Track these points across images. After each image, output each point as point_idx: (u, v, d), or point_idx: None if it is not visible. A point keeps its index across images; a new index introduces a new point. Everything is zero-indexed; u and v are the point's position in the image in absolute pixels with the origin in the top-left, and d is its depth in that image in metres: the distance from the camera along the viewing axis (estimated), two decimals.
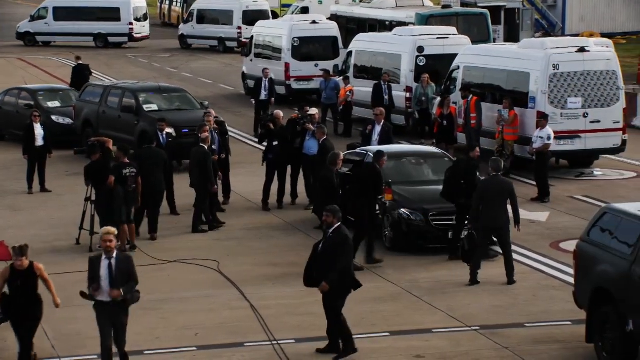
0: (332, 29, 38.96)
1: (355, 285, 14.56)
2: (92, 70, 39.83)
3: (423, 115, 30.56)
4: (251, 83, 40.25)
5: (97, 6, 60.32)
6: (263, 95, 32.95)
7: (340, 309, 14.50)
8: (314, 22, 38.77)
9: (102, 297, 13.79)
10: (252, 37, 41.16)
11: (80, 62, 38.21)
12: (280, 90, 36.59)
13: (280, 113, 24.17)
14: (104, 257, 13.77)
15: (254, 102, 33.56)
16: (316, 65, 37.16)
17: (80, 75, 36.95)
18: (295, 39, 37.97)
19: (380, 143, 23.54)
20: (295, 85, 37.99)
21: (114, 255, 13.73)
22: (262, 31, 40.78)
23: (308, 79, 37.63)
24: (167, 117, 25.88)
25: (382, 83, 31.40)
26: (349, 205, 18.68)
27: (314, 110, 24.15)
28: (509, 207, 17.96)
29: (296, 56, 37.97)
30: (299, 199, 23.78)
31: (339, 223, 14.47)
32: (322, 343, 15.08)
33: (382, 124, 24.37)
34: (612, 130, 26.24)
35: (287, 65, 37.79)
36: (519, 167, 25.81)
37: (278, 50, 38.83)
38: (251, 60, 40.48)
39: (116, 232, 13.90)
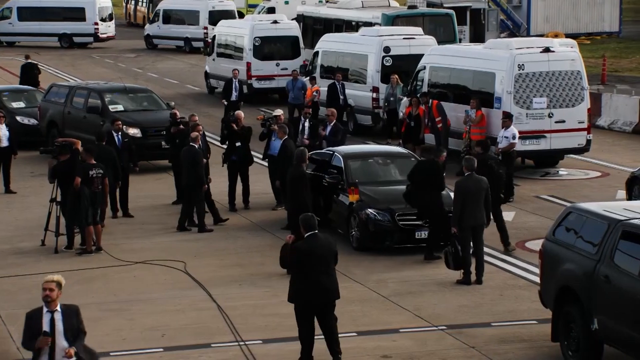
0: (293, 29, 39.46)
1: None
2: (57, 71, 39.62)
3: (390, 116, 30.63)
4: (214, 82, 41.12)
5: (62, 6, 59.92)
6: (234, 96, 33.32)
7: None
8: (275, 21, 39.29)
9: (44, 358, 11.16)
10: (215, 36, 41.59)
11: (30, 60, 38.12)
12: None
13: (241, 114, 24.13)
14: (45, 310, 11.26)
15: (225, 103, 33.70)
16: (277, 65, 38.04)
17: (29, 73, 36.87)
18: (257, 39, 38.52)
19: (329, 143, 23.59)
20: (256, 84, 38.53)
21: (58, 308, 11.27)
22: (224, 31, 41.20)
23: (269, 78, 38.31)
24: (135, 118, 25.82)
25: (337, 83, 31.49)
26: (416, 200, 19.17)
27: (279, 111, 24.17)
28: None
29: (257, 55, 38.49)
30: (265, 199, 23.75)
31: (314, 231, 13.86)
32: (289, 344, 15.07)
33: (332, 124, 24.41)
34: (577, 130, 26.40)
35: (248, 65, 38.37)
36: None
37: (240, 50, 39.27)
38: (214, 60, 41.03)
39: (61, 281, 11.43)
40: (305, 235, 13.83)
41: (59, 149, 20.54)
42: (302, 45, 38.99)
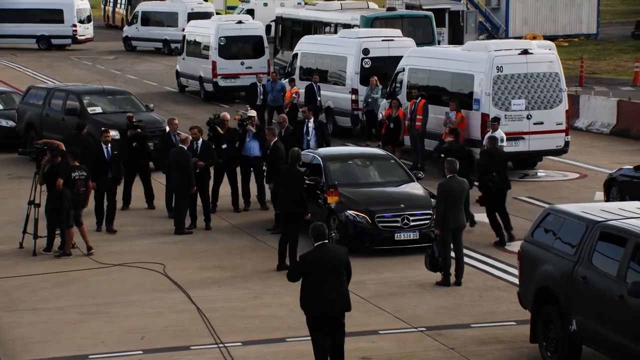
0: (258, 29, 40.64)
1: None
2: (35, 73, 39.50)
3: (369, 117, 30.67)
4: (184, 81, 42.41)
5: (40, 8, 59.69)
6: (259, 100, 33.19)
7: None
8: (240, 22, 40.60)
9: None
10: (184, 36, 42.71)
11: None
12: (208, 87, 40.07)
13: (227, 115, 24.07)
14: None
15: (249, 108, 33.18)
16: (242, 64, 39.42)
17: None
18: (222, 38, 39.63)
19: (317, 138, 23.65)
20: (222, 83, 39.75)
21: None
22: (193, 30, 42.47)
23: (234, 76, 39.54)
24: (113, 120, 25.72)
25: (314, 84, 31.52)
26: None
27: (252, 112, 24.14)
28: None
29: (223, 55, 39.60)
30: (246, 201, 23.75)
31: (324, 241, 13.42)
32: (269, 346, 15.07)
33: (311, 120, 24.38)
34: (555, 132, 26.48)
35: (214, 64, 39.53)
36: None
37: (207, 49, 40.31)
38: (183, 59, 42.17)
39: None
40: (315, 244, 13.30)
41: (47, 151, 20.35)
42: (266, 44, 40.29)
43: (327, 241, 13.36)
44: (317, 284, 13.16)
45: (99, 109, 28.28)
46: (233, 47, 39.86)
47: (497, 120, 24.81)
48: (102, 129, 22.64)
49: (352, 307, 13.46)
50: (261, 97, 33.45)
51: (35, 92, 30.44)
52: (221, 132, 23.08)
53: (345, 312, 13.39)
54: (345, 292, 13.34)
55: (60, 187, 19.60)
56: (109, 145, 21.63)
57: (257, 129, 23.26)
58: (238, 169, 23.25)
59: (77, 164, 20.05)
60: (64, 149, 20.50)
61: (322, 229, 13.36)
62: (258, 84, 33.83)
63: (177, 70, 43.27)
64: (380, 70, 31.20)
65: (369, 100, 30.58)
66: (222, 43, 39.66)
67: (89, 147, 22.00)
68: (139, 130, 23.49)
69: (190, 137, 21.97)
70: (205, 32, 40.94)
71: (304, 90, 31.96)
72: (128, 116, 24.53)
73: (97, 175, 21.08)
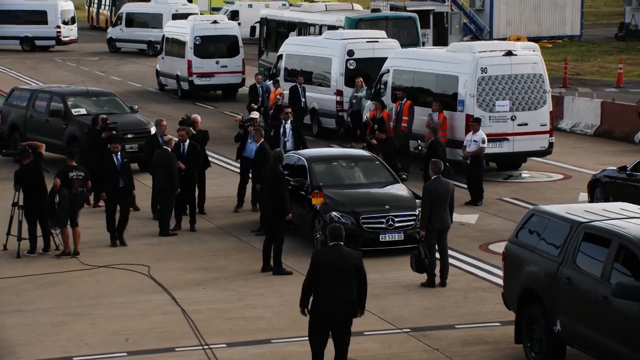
0: (233, 29, 41.79)
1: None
2: (19, 74, 39.40)
3: (354, 118, 30.67)
4: (163, 80, 43.41)
5: (24, 9, 59.54)
6: (259, 102, 33.00)
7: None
8: (215, 22, 41.71)
9: None
10: (164, 35, 43.59)
11: None
12: (184, 86, 41.20)
13: (198, 117, 24.06)
14: None
15: (255, 107, 32.80)
16: (217, 63, 40.54)
17: None
18: (197, 38, 40.70)
19: (293, 139, 23.65)
20: (197, 81, 40.86)
21: None
22: (171, 30, 43.47)
23: (209, 75, 40.72)
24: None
25: (298, 85, 31.48)
26: None
27: (255, 114, 24.14)
28: None
29: (198, 54, 40.62)
30: (229, 202, 23.72)
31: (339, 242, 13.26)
32: (254, 347, 15.05)
33: (289, 121, 24.37)
34: (540, 133, 26.53)
35: (189, 63, 40.63)
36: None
37: (183, 48, 41.22)
38: (162, 58, 43.27)
39: None
40: (329, 244, 13.18)
41: (21, 152, 20.38)
42: (241, 44, 41.34)
43: (341, 243, 13.18)
44: (323, 285, 13.01)
45: (83, 111, 28.18)
46: (208, 46, 40.81)
47: (477, 121, 24.86)
48: (112, 140, 21.91)
49: (361, 312, 13.28)
50: (261, 98, 33.24)
51: (19, 93, 30.31)
52: (193, 132, 23.04)
53: (352, 318, 13.20)
54: (351, 297, 13.08)
55: (57, 187, 19.52)
56: (119, 154, 20.86)
57: (266, 130, 23.37)
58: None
59: (75, 164, 20.05)
60: (43, 151, 20.46)
61: (339, 231, 13.24)
62: (257, 85, 33.60)
63: (157, 70, 44.19)
64: (365, 71, 31.21)
65: (354, 101, 30.60)
66: (197, 42, 40.63)
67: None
68: (113, 132, 23.47)
69: (174, 139, 21.90)
70: (182, 31, 41.81)
71: (288, 91, 31.92)
72: (102, 118, 24.40)
73: (108, 185, 20.64)
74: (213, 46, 40.89)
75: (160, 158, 21.32)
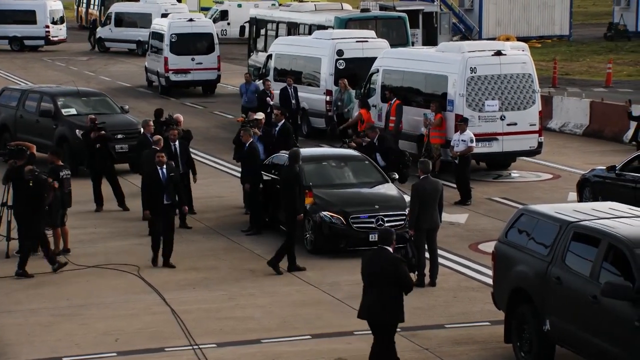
0: (208, 27, 43.20)
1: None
2: (8, 74, 39.31)
3: (339, 119, 30.57)
4: (150, 76, 44.39)
5: (13, 9, 59.34)
6: (293, 105, 32.41)
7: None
8: (191, 19, 43.11)
9: None
10: (150, 33, 44.63)
11: None
12: (162, 82, 42.40)
13: (180, 117, 24.03)
14: None
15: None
16: (192, 60, 41.65)
17: None
18: (173, 35, 41.92)
19: (278, 140, 23.56)
20: (173, 77, 42.10)
21: None
22: (156, 28, 44.37)
23: (185, 71, 41.92)
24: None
25: (288, 87, 31.31)
26: None
27: (260, 115, 24.13)
28: None
29: (174, 51, 41.79)
30: (219, 202, 23.69)
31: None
32: (244, 347, 15.03)
33: (281, 123, 24.33)
34: (529, 133, 26.55)
35: (165, 59, 41.96)
36: (443, 170, 25.93)
37: (162, 46, 42.50)
38: (149, 55, 44.65)
39: None
40: (377, 247, 13.32)
41: (17, 152, 20.21)
42: (216, 41, 42.45)
43: (386, 247, 13.23)
44: (366, 288, 13.27)
45: (73, 111, 28.11)
46: (184, 43, 41.78)
47: (464, 121, 24.89)
48: (157, 151, 20.14)
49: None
50: (293, 101, 31.96)
51: (9, 93, 30.21)
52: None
53: (394, 324, 13.25)
54: (390, 302, 13.07)
55: (57, 189, 19.42)
56: (164, 166, 19.30)
57: (263, 132, 23.34)
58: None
59: (62, 164, 20.02)
60: (34, 152, 20.40)
61: (387, 234, 13.31)
62: (288, 88, 32.99)
63: (145, 66, 45.50)
64: (354, 71, 31.19)
65: (339, 103, 30.51)
66: (173, 40, 41.77)
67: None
68: (103, 132, 23.43)
69: (162, 140, 21.85)
70: (162, 29, 42.69)
71: (278, 92, 31.76)
72: (91, 118, 24.35)
73: (153, 201, 19.11)
74: (189, 43, 41.88)
75: (149, 158, 21.26)
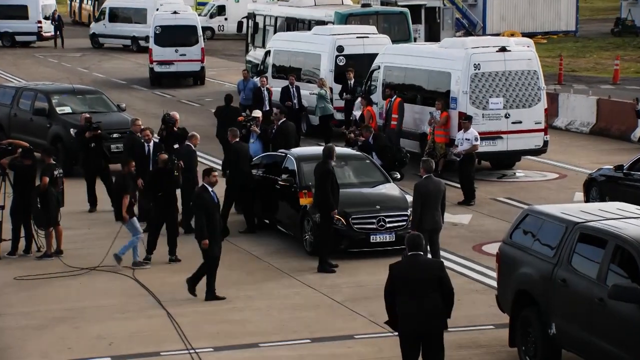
0: (192, 19, 44.36)
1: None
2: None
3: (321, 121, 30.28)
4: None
5: (4, 4, 58.86)
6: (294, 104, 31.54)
7: None
8: (175, 12, 44.18)
9: None
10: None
11: None
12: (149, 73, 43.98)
13: (177, 115, 23.81)
14: None
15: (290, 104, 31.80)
16: (176, 51, 42.96)
17: None
18: (157, 27, 43.34)
19: (278, 139, 23.32)
20: (157, 69, 43.52)
21: None
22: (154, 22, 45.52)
23: (169, 62, 43.27)
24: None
25: (290, 86, 30.90)
26: None
27: (258, 113, 23.96)
28: None
29: (158, 42, 43.12)
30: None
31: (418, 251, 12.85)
32: (241, 351, 14.82)
33: (280, 122, 24.07)
34: (534, 131, 26.24)
35: (150, 51, 43.64)
36: (445, 169, 25.64)
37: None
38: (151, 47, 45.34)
39: None
40: (408, 254, 12.74)
41: (23, 153, 19.98)
42: (200, 33, 43.82)
43: (420, 253, 12.74)
44: (403, 297, 12.56)
45: (68, 109, 27.76)
46: (168, 35, 42.94)
47: (468, 119, 24.59)
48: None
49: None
50: (295, 100, 31.40)
51: (3, 91, 29.94)
52: (175, 130, 22.73)
53: (439, 331, 12.69)
54: (433, 309, 12.55)
55: (46, 186, 19.29)
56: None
57: (261, 130, 23.18)
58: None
59: (53, 162, 19.91)
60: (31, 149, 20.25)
61: (419, 240, 12.79)
62: (290, 86, 32.73)
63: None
64: (355, 68, 30.83)
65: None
66: (157, 32, 43.13)
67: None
68: (98, 131, 23.24)
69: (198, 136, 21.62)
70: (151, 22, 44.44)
71: (279, 90, 31.37)
72: (86, 117, 24.11)
73: (211, 227, 17.21)
74: (173, 35, 42.92)
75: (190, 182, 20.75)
